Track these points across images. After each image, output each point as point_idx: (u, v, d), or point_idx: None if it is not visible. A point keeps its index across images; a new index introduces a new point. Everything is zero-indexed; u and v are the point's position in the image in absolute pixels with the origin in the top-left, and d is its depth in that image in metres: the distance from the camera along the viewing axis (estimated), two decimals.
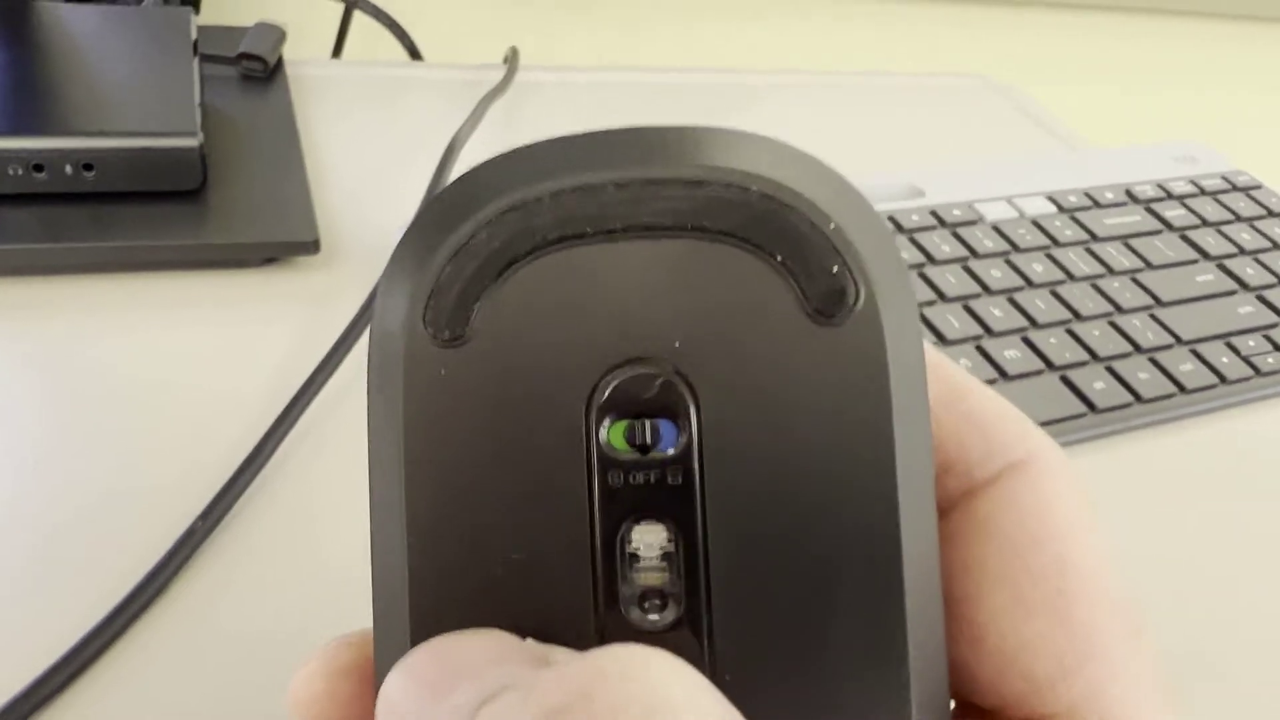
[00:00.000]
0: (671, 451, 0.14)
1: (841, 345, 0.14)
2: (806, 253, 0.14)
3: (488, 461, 0.14)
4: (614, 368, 0.14)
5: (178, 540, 0.30)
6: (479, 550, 0.14)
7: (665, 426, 0.14)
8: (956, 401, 0.16)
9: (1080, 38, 0.92)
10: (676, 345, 0.14)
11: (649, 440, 0.14)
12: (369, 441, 0.15)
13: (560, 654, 0.13)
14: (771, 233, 0.14)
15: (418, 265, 0.14)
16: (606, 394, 0.14)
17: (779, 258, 0.14)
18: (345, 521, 0.33)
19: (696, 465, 0.14)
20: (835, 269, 0.14)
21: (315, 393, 0.36)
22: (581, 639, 0.14)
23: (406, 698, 0.13)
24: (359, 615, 0.31)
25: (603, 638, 0.14)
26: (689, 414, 0.14)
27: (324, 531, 0.32)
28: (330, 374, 0.36)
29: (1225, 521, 0.39)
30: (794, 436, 0.14)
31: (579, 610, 0.14)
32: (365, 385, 0.15)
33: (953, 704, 0.15)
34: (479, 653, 0.13)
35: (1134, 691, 0.14)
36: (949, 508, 0.16)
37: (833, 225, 0.14)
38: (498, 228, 0.14)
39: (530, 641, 0.14)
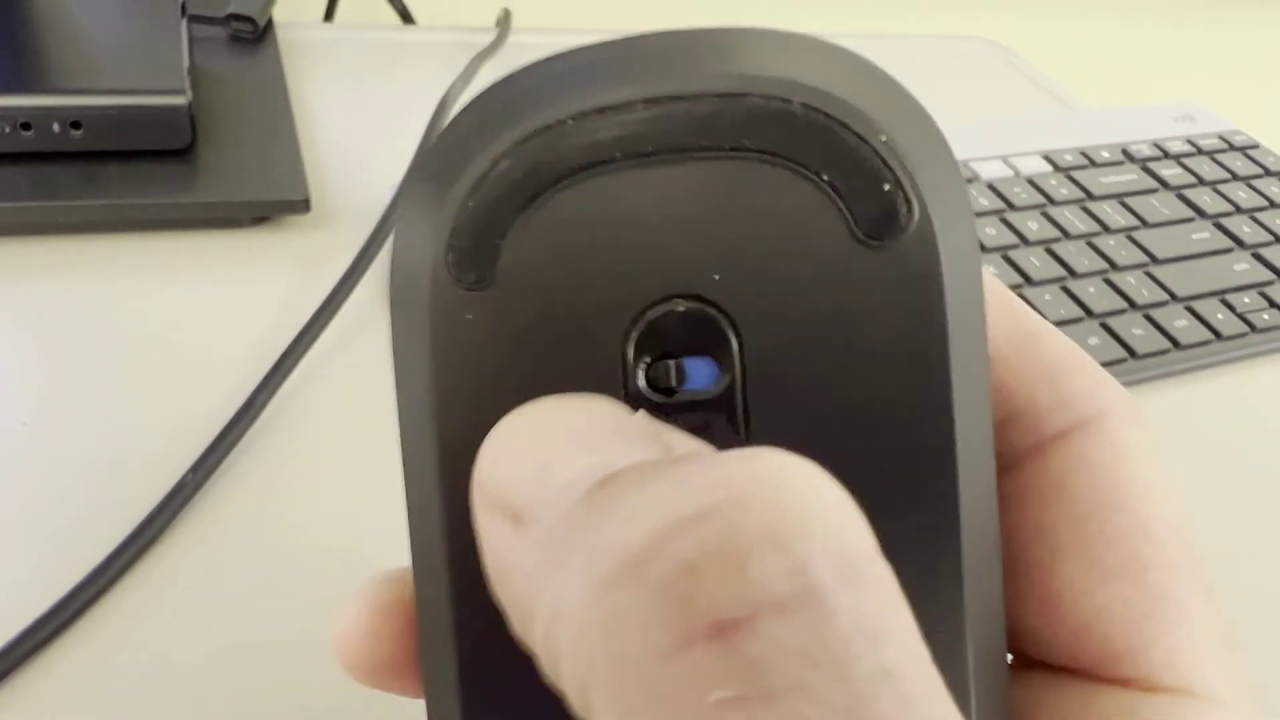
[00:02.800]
0: (714, 391, 0.13)
1: (893, 270, 0.13)
2: (854, 170, 0.13)
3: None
4: (650, 305, 0.13)
5: (169, 492, 0.30)
6: None
7: (706, 365, 0.13)
8: (1027, 345, 0.15)
9: (1078, 2, 0.91)
10: (716, 278, 0.13)
11: (674, 382, 0.13)
12: (396, 390, 0.14)
13: (680, 440, 0.12)
14: (815, 149, 0.13)
15: (434, 202, 0.13)
16: (643, 333, 0.13)
17: (824, 177, 0.13)
18: (334, 475, 0.33)
19: (740, 404, 0.13)
20: (886, 187, 0.13)
21: (305, 349, 0.35)
22: None
23: (502, 471, 0.12)
24: (350, 557, 0.31)
25: None
26: (731, 351, 0.13)
27: (314, 484, 0.32)
28: (320, 330, 0.36)
29: (1219, 477, 0.39)
30: (842, 370, 0.13)
31: None
32: (388, 330, 0.14)
33: (1010, 658, 0.14)
34: (592, 420, 0.12)
35: (1208, 655, 0.14)
36: (1016, 462, 0.15)
37: (883, 138, 0.13)
38: (519, 158, 0.13)
39: (643, 414, 0.12)
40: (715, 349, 0.13)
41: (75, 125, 0.40)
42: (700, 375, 0.13)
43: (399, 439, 0.14)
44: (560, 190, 0.13)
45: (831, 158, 0.13)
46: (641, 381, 0.13)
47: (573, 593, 0.10)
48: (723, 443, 0.13)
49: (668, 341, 0.13)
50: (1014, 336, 0.15)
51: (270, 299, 0.39)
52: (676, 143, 0.13)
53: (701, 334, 0.13)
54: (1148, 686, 0.13)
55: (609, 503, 0.11)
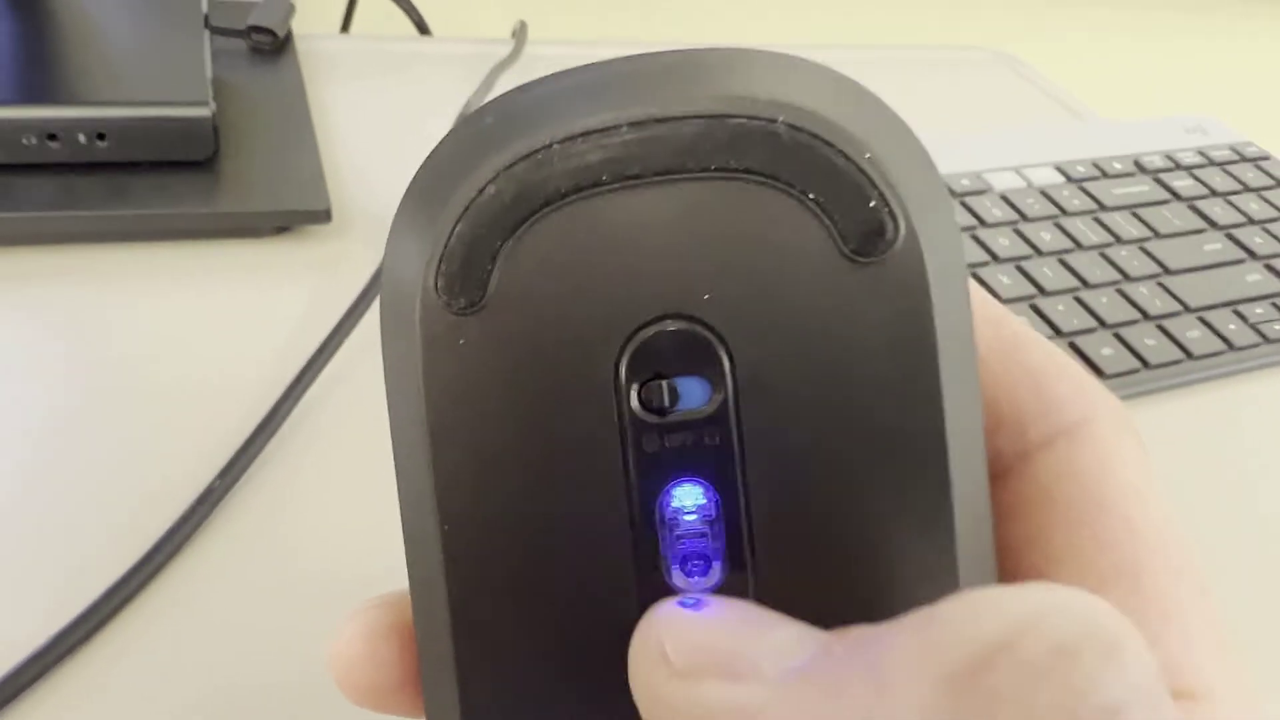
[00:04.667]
0: (707, 410, 0.13)
1: (881, 285, 0.13)
2: (840, 187, 0.13)
3: (517, 434, 0.13)
4: (641, 327, 0.13)
5: (196, 498, 0.31)
6: (514, 523, 0.14)
7: (698, 384, 0.13)
8: (1012, 353, 0.15)
9: (1092, 11, 0.91)
10: (706, 298, 0.13)
11: (666, 402, 0.13)
12: (390, 414, 0.14)
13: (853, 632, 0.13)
14: (801, 168, 0.13)
15: (424, 229, 0.13)
16: (635, 355, 0.13)
17: (810, 195, 0.13)
18: (358, 483, 0.33)
19: (733, 422, 0.13)
20: (872, 204, 0.13)
21: (329, 358, 0.36)
22: (623, 606, 0.14)
23: (703, 629, 0.13)
24: (371, 567, 0.32)
25: (643, 604, 0.13)
26: (723, 370, 0.13)
27: (338, 491, 0.33)
28: (344, 339, 0.37)
29: (1231, 486, 0.39)
30: (834, 387, 0.13)
31: (619, 577, 0.14)
32: (381, 354, 0.14)
33: None
34: (755, 608, 0.13)
35: (1206, 655, 0.14)
36: (1003, 470, 0.15)
37: (868, 155, 0.13)
38: (506, 182, 0.13)
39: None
40: (707, 368, 0.13)
41: (101, 136, 0.41)
42: (693, 394, 0.13)
43: (394, 463, 0.14)
44: (548, 214, 0.13)
45: (817, 176, 0.13)
46: (634, 402, 0.13)
47: (905, 694, 0.11)
48: (719, 459, 0.13)
49: (660, 362, 0.13)
50: (997, 343, 0.15)
51: (292, 308, 0.39)
52: (663, 165, 0.13)
53: (693, 353, 0.13)
54: None
55: (909, 627, 0.11)
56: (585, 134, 0.13)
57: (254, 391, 0.35)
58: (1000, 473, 0.15)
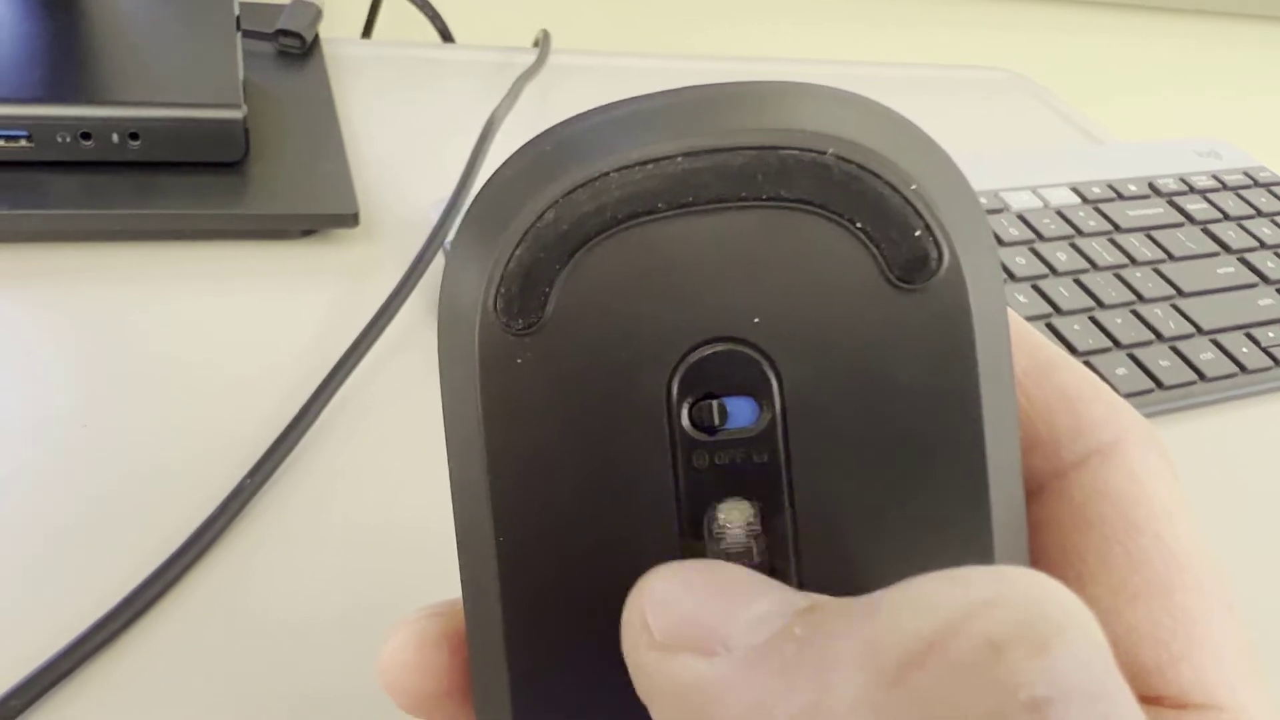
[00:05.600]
0: (755, 429, 0.14)
1: (925, 312, 0.14)
2: (887, 217, 0.13)
3: (571, 450, 0.14)
4: (693, 348, 0.14)
5: (228, 494, 0.31)
6: (567, 539, 0.14)
7: (747, 404, 0.14)
8: (1045, 376, 0.15)
9: (1108, 36, 0.92)
10: (756, 321, 0.14)
11: (717, 420, 0.14)
12: (446, 431, 0.14)
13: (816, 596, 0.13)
14: (849, 198, 0.13)
15: (484, 251, 0.14)
16: (687, 376, 0.14)
17: (858, 224, 0.13)
18: (387, 480, 0.34)
19: (781, 442, 0.14)
20: (917, 233, 0.14)
21: (358, 360, 0.36)
22: None
23: (675, 616, 0.13)
24: (400, 564, 0.32)
25: None
26: (772, 390, 0.14)
27: (367, 489, 0.33)
28: (374, 340, 0.37)
29: (1243, 508, 0.40)
30: (879, 409, 0.14)
31: None
32: (437, 371, 0.14)
33: None
34: (732, 574, 0.13)
35: (1232, 670, 0.14)
36: (1038, 488, 0.15)
37: (913, 186, 0.14)
38: (565, 208, 0.13)
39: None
40: (756, 389, 0.14)
41: (133, 136, 0.41)
42: (742, 414, 0.14)
43: (450, 478, 0.14)
44: (605, 239, 0.13)
45: (864, 206, 0.13)
46: (685, 421, 0.14)
47: (845, 688, 0.11)
48: (767, 476, 0.14)
49: (710, 382, 0.14)
50: (1032, 366, 0.15)
51: (320, 310, 0.40)
52: (715, 193, 0.13)
53: (742, 375, 0.14)
54: (1178, 703, 0.14)
55: (849, 616, 0.11)
56: (641, 163, 0.13)
57: (283, 389, 0.36)
58: (1034, 490, 0.15)
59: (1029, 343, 0.16)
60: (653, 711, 0.13)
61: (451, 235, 0.41)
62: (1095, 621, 0.11)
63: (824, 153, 0.13)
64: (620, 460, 0.14)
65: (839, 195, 0.13)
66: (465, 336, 0.14)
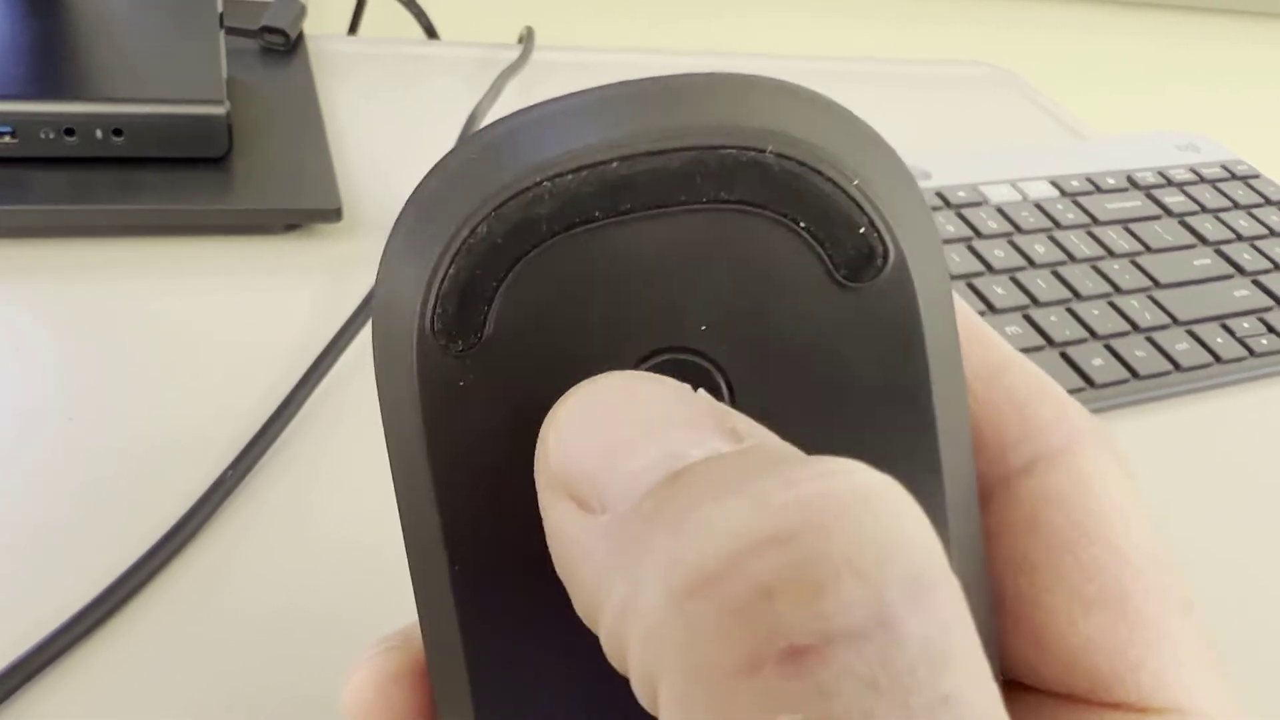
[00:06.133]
0: None
1: (872, 308, 0.13)
2: (830, 215, 0.13)
3: (522, 468, 0.13)
4: (642, 360, 0.13)
5: (209, 486, 0.32)
6: (525, 555, 0.13)
7: None
8: (995, 377, 0.15)
9: (1088, 31, 0.93)
10: (703, 328, 0.13)
11: None
12: (390, 451, 0.14)
13: (745, 425, 0.12)
14: (791, 197, 0.13)
15: (416, 271, 0.13)
16: None
17: (801, 223, 0.13)
18: (367, 474, 0.34)
19: None
20: (861, 230, 0.13)
21: (339, 354, 0.37)
22: None
23: (568, 453, 0.12)
24: (381, 557, 0.32)
25: None
26: (723, 398, 0.13)
27: (347, 482, 0.34)
28: (354, 337, 0.37)
29: (1218, 497, 0.40)
30: (831, 410, 0.14)
31: None
32: (376, 395, 0.14)
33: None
34: (656, 400, 0.12)
35: (1193, 672, 0.14)
36: (985, 496, 0.15)
37: (856, 182, 0.13)
38: (498, 222, 0.13)
39: (704, 394, 0.12)
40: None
41: (117, 132, 0.41)
42: None
43: (397, 501, 0.14)
44: (541, 251, 0.13)
45: (807, 205, 0.13)
46: None
47: (647, 593, 0.10)
48: None
49: None
50: (982, 366, 0.15)
51: (303, 304, 0.40)
52: (653, 198, 0.13)
53: (693, 384, 0.13)
54: (1140, 708, 0.14)
55: (683, 506, 0.11)
56: (575, 170, 0.13)
57: (265, 383, 0.36)
58: (984, 497, 0.15)
59: (980, 339, 0.15)
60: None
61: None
62: (918, 539, 0.10)
63: (763, 150, 0.13)
64: None
65: (781, 195, 0.13)
66: (403, 359, 0.13)
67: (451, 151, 0.14)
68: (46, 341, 0.37)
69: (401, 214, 0.14)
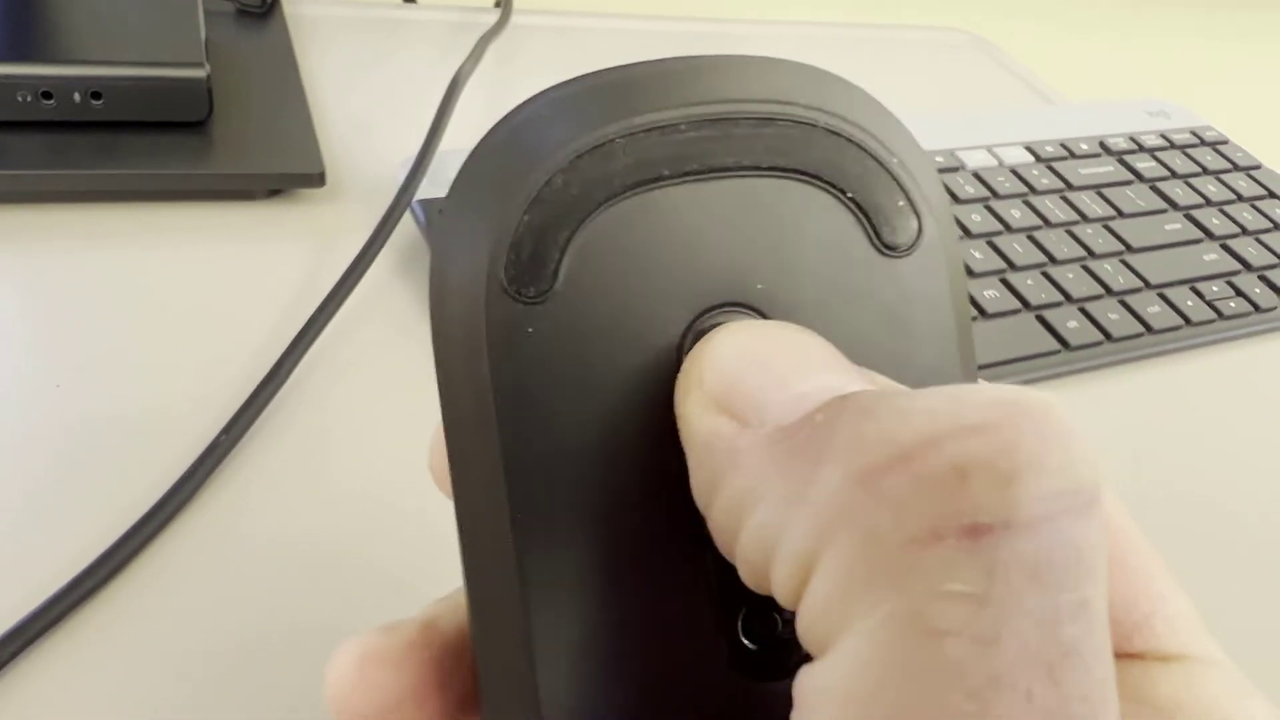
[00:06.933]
0: None
1: (908, 276, 0.15)
2: (875, 188, 0.14)
3: (587, 417, 0.14)
4: (702, 313, 0.14)
5: (203, 451, 0.32)
6: (587, 505, 0.14)
7: None
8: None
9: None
10: (760, 287, 0.14)
11: None
12: (445, 406, 0.14)
13: (883, 379, 0.13)
14: (841, 169, 0.14)
15: (489, 220, 0.13)
16: (696, 341, 0.14)
17: (848, 194, 0.14)
18: (360, 438, 0.34)
19: None
20: (901, 203, 0.15)
21: (329, 317, 0.37)
22: (691, 578, 0.14)
23: (729, 376, 0.13)
24: (371, 519, 0.32)
25: (707, 576, 0.14)
26: None
27: (341, 447, 0.34)
28: (345, 297, 0.38)
29: (1188, 454, 0.42)
30: (872, 366, 0.14)
31: (686, 554, 0.14)
32: (432, 344, 0.14)
33: None
34: (812, 346, 0.13)
35: (1195, 624, 0.15)
36: None
37: (895, 160, 0.15)
38: (573, 174, 0.13)
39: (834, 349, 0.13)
40: None
41: (96, 95, 0.41)
42: None
43: (450, 451, 0.14)
44: (611, 206, 0.14)
45: (855, 177, 0.14)
46: None
47: (825, 476, 0.11)
48: None
49: None
50: None
51: (289, 268, 0.40)
52: (718, 162, 0.14)
53: None
54: (1160, 656, 0.15)
55: (866, 404, 0.12)
56: (647, 130, 0.14)
57: (253, 348, 0.36)
58: None
59: None
60: (687, 458, 0.13)
61: (418, 197, 0.42)
62: (1088, 454, 0.11)
63: (816, 125, 0.14)
64: (636, 425, 0.14)
65: (832, 167, 0.14)
66: (470, 307, 0.13)
67: (520, 105, 0.14)
68: (30, 308, 0.36)
69: (469, 161, 0.14)
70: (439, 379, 0.14)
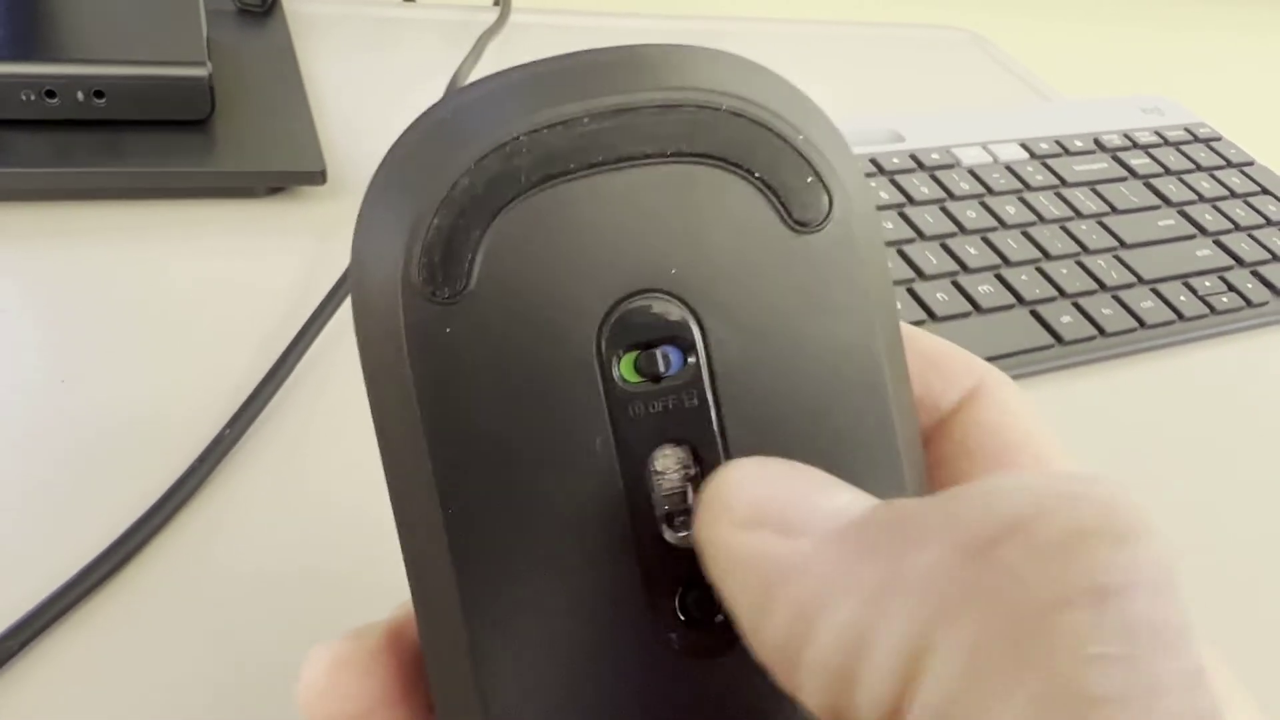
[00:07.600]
0: (684, 375, 0.15)
1: (821, 251, 0.15)
2: (782, 166, 0.15)
3: (510, 412, 0.14)
4: (617, 303, 0.14)
5: (207, 445, 0.32)
6: (517, 496, 0.14)
7: (674, 352, 0.15)
8: (910, 344, 0.17)
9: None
10: (673, 272, 0.14)
11: (661, 368, 0.14)
12: (375, 406, 0.14)
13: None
14: (746, 150, 0.15)
15: (400, 222, 0.14)
16: (613, 330, 0.14)
17: (756, 174, 0.15)
18: (362, 432, 0.35)
19: (709, 385, 0.15)
20: (809, 180, 0.15)
21: (331, 313, 0.37)
22: (626, 568, 0.15)
23: (758, 497, 0.13)
24: (374, 513, 0.33)
25: (643, 560, 0.15)
26: (695, 337, 0.15)
27: (344, 442, 0.34)
28: (345, 298, 0.38)
29: (1181, 449, 0.42)
30: (791, 343, 0.15)
31: (617, 546, 0.14)
32: (358, 349, 0.14)
33: None
34: (810, 471, 0.14)
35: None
36: (925, 441, 0.17)
37: (801, 137, 0.15)
38: (479, 174, 0.14)
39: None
40: (680, 337, 0.15)
41: (98, 94, 0.41)
42: (671, 361, 0.15)
43: (382, 453, 0.14)
44: (520, 202, 0.14)
45: (761, 157, 0.15)
46: (616, 372, 0.14)
47: (929, 560, 0.11)
48: (698, 418, 0.15)
49: (637, 334, 0.14)
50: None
51: (291, 266, 0.40)
52: (622, 151, 0.14)
53: (667, 324, 0.15)
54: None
55: (936, 503, 0.12)
56: (550, 125, 0.14)
57: (255, 344, 0.36)
58: (924, 442, 0.17)
59: None
60: (724, 589, 0.13)
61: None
62: (1162, 535, 0.12)
63: (719, 109, 0.14)
64: (558, 421, 0.14)
65: (737, 148, 0.15)
66: (388, 309, 0.14)
67: (428, 110, 0.14)
68: (33, 306, 0.37)
69: (380, 168, 0.14)
70: (365, 382, 0.14)
